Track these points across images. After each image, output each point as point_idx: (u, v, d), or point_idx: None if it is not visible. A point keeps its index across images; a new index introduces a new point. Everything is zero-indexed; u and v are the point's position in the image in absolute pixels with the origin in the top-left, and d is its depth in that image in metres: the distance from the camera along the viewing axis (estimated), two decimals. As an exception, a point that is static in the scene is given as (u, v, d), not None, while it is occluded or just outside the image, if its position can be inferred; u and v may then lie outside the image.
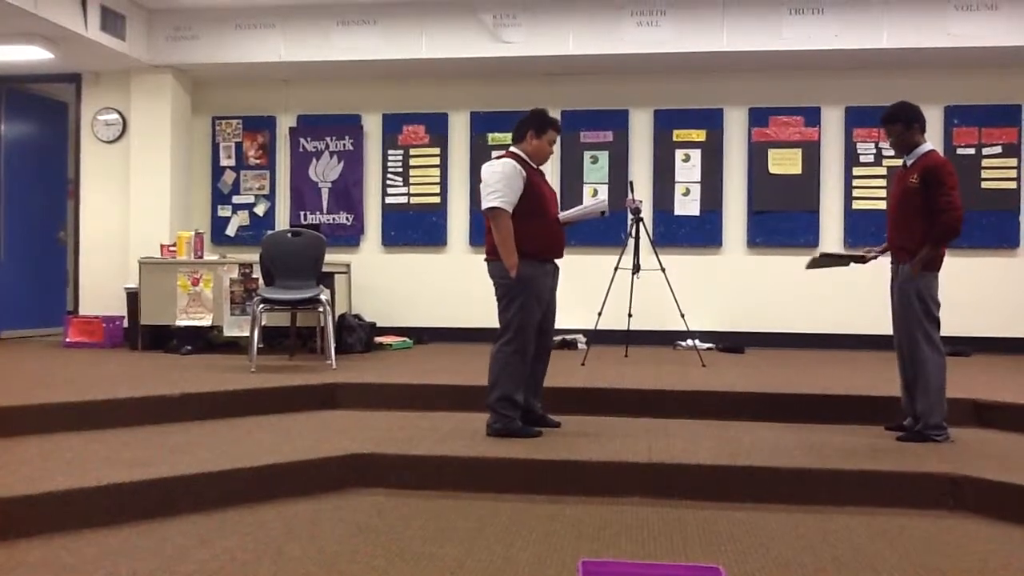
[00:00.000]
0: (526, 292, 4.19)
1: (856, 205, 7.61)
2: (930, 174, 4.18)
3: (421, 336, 7.80)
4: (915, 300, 4.20)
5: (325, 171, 8.23)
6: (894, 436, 4.31)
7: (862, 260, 4.59)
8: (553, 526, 3.30)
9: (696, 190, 7.81)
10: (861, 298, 6.92)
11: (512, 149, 4.37)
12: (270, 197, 8.33)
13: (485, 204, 4.19)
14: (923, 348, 4.19)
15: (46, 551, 2.95)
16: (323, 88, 8.23)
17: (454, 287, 7.86)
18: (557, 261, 4.42)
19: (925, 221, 4.20)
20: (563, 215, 4.52)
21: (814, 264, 4.77)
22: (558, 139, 4.44)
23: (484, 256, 4.36)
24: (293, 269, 6.25)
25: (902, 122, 4.33)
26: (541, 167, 4.44)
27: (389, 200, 8.16)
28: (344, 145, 8.20)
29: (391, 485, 3.81)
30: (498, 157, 4.35)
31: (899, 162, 4.48)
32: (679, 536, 3.20)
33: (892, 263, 4.43)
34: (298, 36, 7.58)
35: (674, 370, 5.95)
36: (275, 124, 8.33)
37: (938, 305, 4.24)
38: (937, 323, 4.24)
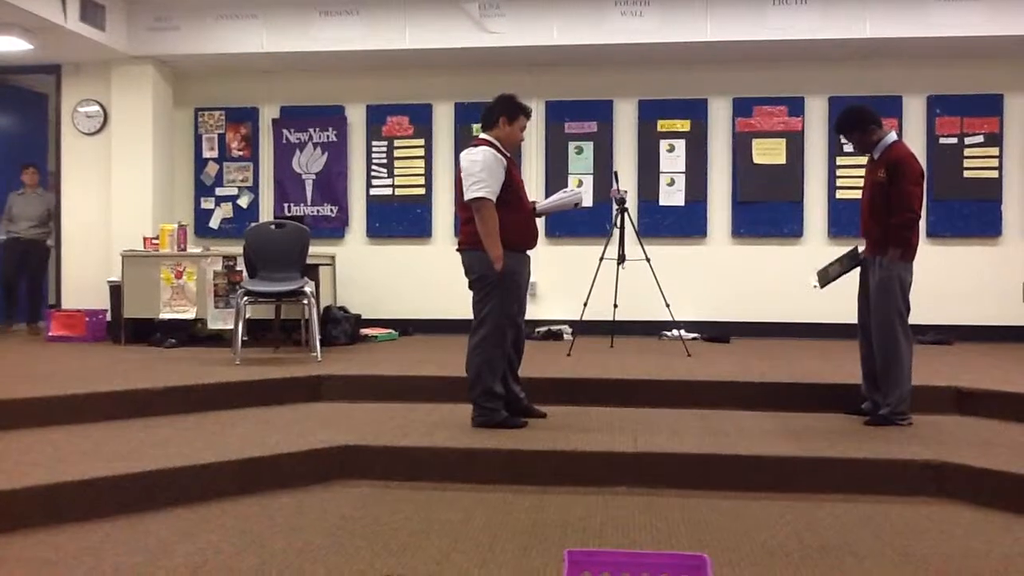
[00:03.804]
0: (507, 284, 4.16)
1: (840, 195, 7.62)
2: (893, 168, 4.23)
3: (406, 328, 7.78)
4: (893, 289, 4.24)
5: (309, 162, 8.18)
6: (860, 420, 4.37)
7: (860, 262, 4.56)
8: (539, 516, 3.30)
9: (681, 180, 7.81)
10: (844, 288, 6.99)
11: (485, 136, 4.28)
12: (253, 189, 8.28)
13: (469, 194, 4.10)
14: (898, 336, 4.26)
15: (27, 546, 2.93)
16: (306, 79, 8.18)
17: (439, 279, 7.82)
18: (529, 251, 4.37)
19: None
20: (540, 206, 4.50)
21: (825, 282, 4.71)
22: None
23: (457, 246, 4.31)
24: (277, 261, 6.22)
25: (858, 129, 4.37)
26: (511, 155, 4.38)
27: (373, 192, 8.12)
28: (328, 136, 8.16)
29: (376, 477, 3.80)
30: (474, 145, 4.25)
31: None
32: (665, 525, 3.21)
33: (867, 254, 4.45)
34: (280, 27, 7.52)
35: (659, 360, 5.96)
36: (258, 115, 8.27)
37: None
38: (908, 312, 4.30)
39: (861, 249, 4.55)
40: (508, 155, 4.27)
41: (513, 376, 4.42)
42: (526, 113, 4.33)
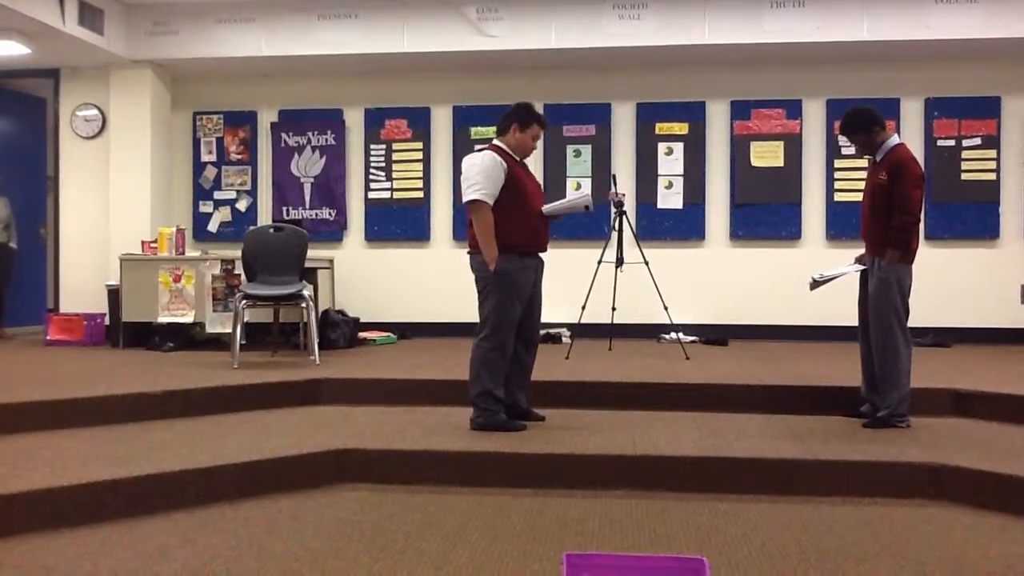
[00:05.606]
0: (506, 287, 4.18)
1: (838, 197, 7.64)
2: (895, 170, 4.24)
3: (405, 331, 7.79)
4: (891, 291, 4.25)
5: (307, 166, 8.19)
6: (858, 423, 4.38)
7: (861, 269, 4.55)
8: (537, 519, 3.30)
9: (679, 183, 7.82)
10: (843, 291, 7.01)
11: (495, 142, 4.36)
12: (252, 192, 8.28)
13: (465, 197, 4.19)
14: (897, 338, 4.26)
15: (25, 551, 2.92)
16: (304, 83, 8.19)
17: (438, 282, 7.84)
18: (541, 255, 4.42)
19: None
20: (546, 208, 4.51)
21: (816, 286, 4.70)
22: (542, 133, 4.43)
23: (467, 249, 4.36)
24: (275, 265, 6.21)
25: (862, 131, 4.37)
26: (525, 160, 4.44)
27: (372, 195, 8.13)
28: (326, 140, 8.16)
29: (375, 480, 3.80)
30: (480, 150, 4.35)
31: None
32: (663, 528, 3.21)
33: (867, 256, 4.46)
34: (279, 30, 7.53)
35: (658, 363, 5.96)
36: (256, 119, 8.27)
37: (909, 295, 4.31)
38: (907, 314, 4.30)
39: (860, 254, 4.56)
40: (517, 160, 4.33)
41: (521, 382, 4.42)
42: (540, 122, 4.38)
